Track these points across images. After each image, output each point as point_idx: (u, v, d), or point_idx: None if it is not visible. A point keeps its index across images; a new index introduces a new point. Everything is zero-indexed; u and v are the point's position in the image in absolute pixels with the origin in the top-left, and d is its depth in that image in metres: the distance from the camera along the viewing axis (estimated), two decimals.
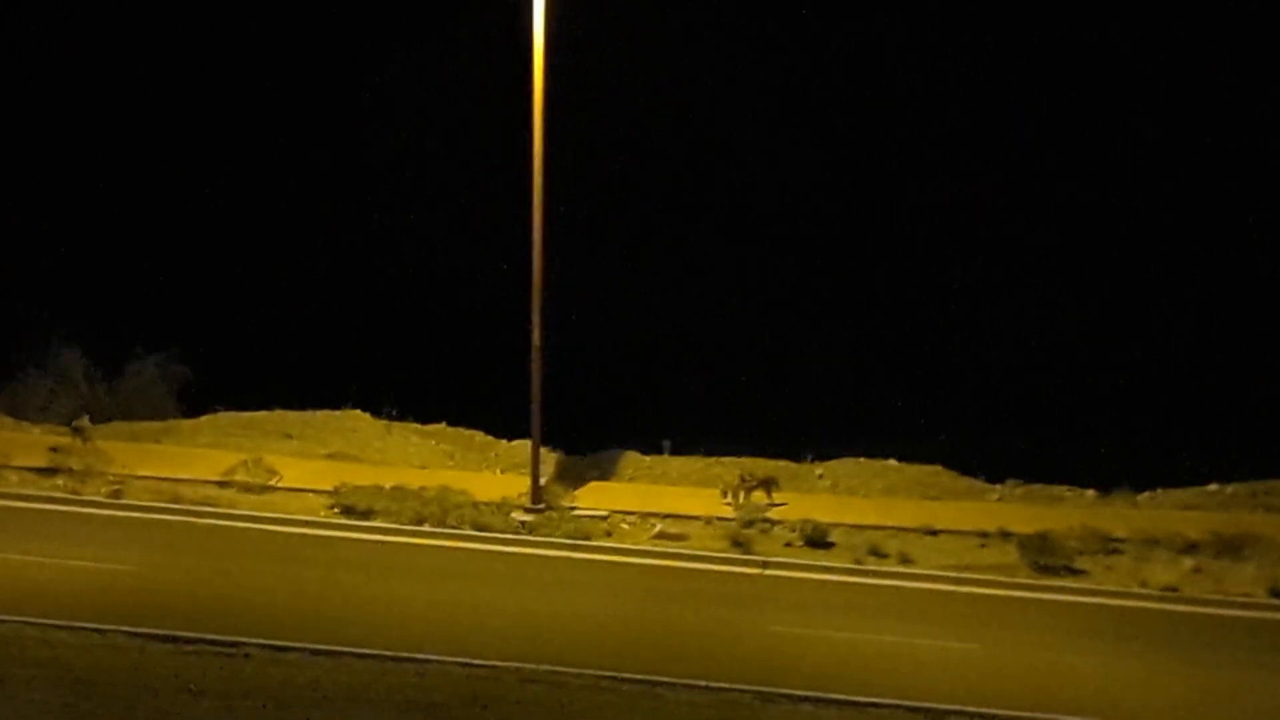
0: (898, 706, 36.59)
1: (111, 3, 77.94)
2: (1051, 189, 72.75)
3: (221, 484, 49.15)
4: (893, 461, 54.68)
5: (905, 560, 46.16)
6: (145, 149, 74.63)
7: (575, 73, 49.38)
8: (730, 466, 53.36)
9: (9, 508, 46.62)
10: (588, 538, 46.83)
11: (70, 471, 49.06)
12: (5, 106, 74.27)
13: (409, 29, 77.34)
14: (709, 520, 48.52)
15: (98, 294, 66.15)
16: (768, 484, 50.36)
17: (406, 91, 76.56)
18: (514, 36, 50.11)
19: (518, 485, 49.89)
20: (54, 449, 50.54)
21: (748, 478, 50.56)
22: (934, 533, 48.33)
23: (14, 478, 48.87)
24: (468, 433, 56.17)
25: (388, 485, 48.85)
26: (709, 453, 54.58)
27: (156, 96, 75.96)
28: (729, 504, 49.52)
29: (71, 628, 37.80)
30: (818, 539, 47.14)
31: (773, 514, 48.59)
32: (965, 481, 53.63)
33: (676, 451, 54.75)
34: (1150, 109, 73.50)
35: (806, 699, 36.60)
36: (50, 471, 49.22)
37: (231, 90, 76.56)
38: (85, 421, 52.16)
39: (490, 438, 55.84)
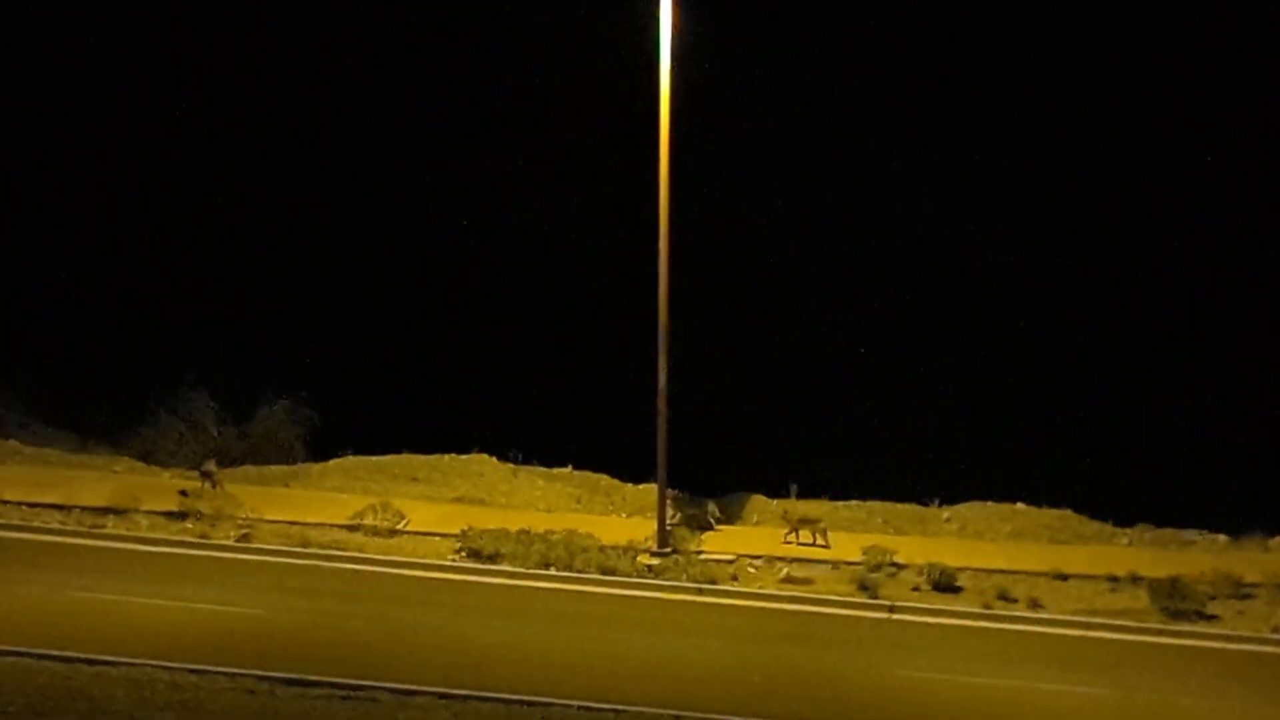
0: None
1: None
2: (1186, 233, 71.75)
3: (349, 527, 49.45)
4: (1020, 505, 54.24)
5: (1034, 604, 45.70)
6: (264, 198, 75.19)
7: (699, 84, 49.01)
8: (857, 510, 53.19)
9: (139, 551, 47.12)
10: (714, 581, 46.66)
11: (199, 515, 49.52)
12: (131, 150, 75.26)
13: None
14: (835, 564, 48.32)
15: (227, 338, 66.92)
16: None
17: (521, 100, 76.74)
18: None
19: (644, 529, 49.86)
20: (183, 493, 51.07)
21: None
22: (1063, 577, 47.79)
23: (144, 521, 49.38)
24: (594, 476, 56.19)
25: (514, 529, 48.91)
26: (836, 497, 54.36)
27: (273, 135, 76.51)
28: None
29: (201, 671, 38.02)
30: (945, 583, 46.78)
31: (899, 558, 48.24)
32: (1094, 525, 53.11)
33: (803, 495, 54.52)
34: None
35: None
36: (180, 515, 49.70)
37: (337, 128, 77.01)
38: (213, 465, 52.70)
39: (616, 481, 55.82)
